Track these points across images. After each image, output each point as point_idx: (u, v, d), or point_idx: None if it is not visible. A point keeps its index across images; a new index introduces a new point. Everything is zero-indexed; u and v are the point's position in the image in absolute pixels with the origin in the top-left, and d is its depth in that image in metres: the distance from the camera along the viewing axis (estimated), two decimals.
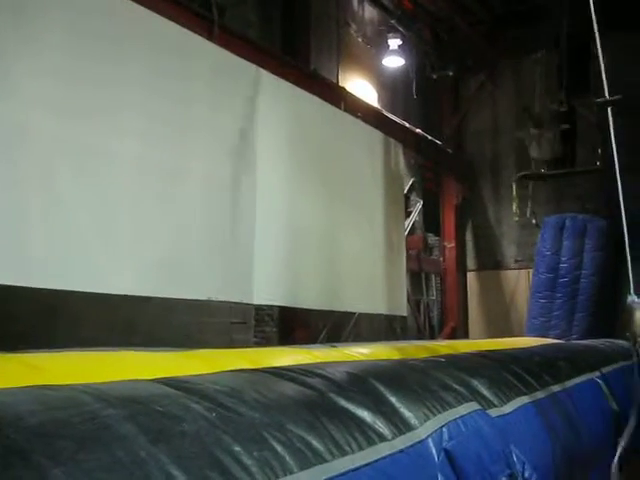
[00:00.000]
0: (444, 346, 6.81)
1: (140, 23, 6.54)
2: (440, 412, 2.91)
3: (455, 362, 4.25)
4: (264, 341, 9.34)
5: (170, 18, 6.93)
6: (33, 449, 1.45)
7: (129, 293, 6.14)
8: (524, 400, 4.06)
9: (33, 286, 5.34)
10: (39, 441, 1.49)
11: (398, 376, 3.12)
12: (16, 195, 5.26)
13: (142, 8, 6.53)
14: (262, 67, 8.14)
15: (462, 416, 3.04)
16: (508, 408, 3.73)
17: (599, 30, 5.82)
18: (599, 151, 12.13)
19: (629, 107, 6.04)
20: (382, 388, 2.75)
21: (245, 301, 7.70)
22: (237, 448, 1.81)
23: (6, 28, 5.25)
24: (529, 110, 12.38)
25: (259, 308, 8.97)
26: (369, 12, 13.01)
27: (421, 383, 3.14)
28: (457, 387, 3.39)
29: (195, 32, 7.34)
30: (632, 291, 5.88)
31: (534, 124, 12.21)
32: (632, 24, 9.53)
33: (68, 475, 1.41)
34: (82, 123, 5.81)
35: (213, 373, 2.75)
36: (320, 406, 2.34)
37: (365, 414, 2.44)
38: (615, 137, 5.89)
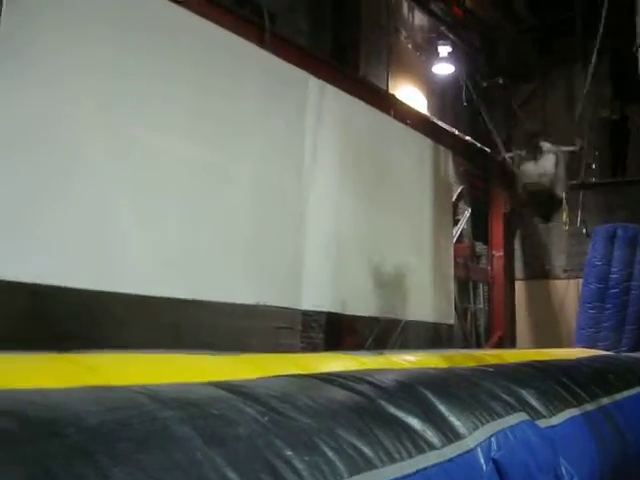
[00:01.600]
0: (491, 355, 6.77)
1: (194, 29, 6.65)
2: (489, 422, 2.91)
3: (503, 372, 4.24)
4: (310, 347, 9.37)
5: (223, 25, 7.04)
6: (94, 449, 1.49)
7: (176, 296, 6.20)
8: (573, 412, 4.03)
9: (80, 287, 5.40)
10: (99, 441, 1.53)
11: (447, 385, 3.13)
12: (62, 196, 5.34)
13: (196, 16, 6.65)
14: (312, 73, 8.19)
15: (511, 426, 3.03)
16: (557, 420, 3.71)
17: None
18: None
19: None
20: (431, 396, 2.76)
21: (293, 306, 7.74)
22: (289, 452, 1.84)
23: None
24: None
25: (306, 314, 9.00)
26: (419, 19, 12.99)
27: (470, 392, 3.14)
28: (505, 397, 3.38)
29: (247, 38, 7.42)
30: None
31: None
32: None
33: (128, 474, 1.46)
34: (130, 119, 5.89)
35: (265, 378, 2.79)
36: (370, 413, 2.36)
37: (414, 422, 2.45)
38: None
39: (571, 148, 10.39)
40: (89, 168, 5.52)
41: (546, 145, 10.32)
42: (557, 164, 10.41)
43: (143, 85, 6.02)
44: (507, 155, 11.31)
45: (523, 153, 10.41)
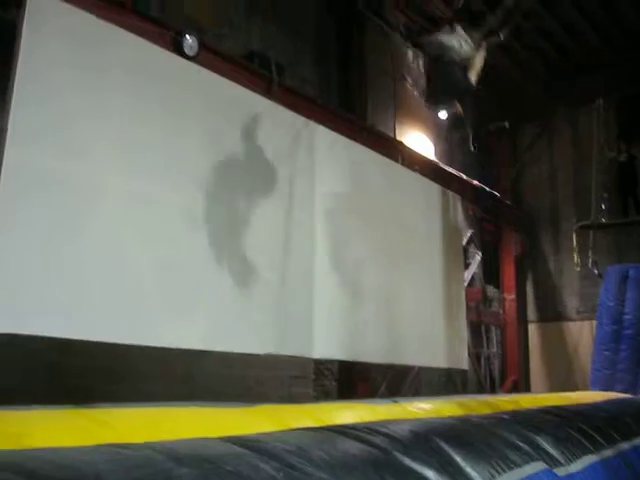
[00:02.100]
0: (507, 401, 6.70)
1: (202, 83, 6.78)
2: (506, 471, 2.88)
3: (519, 419, 4.20)
4: (323, 395, 9.31)
5: (233, 78, 7.18)
6: None
7: (189, 347, 6.22)
8: (592, 459, 3.98)
9: (96, 340, 5.45)
10: None
11: (462, 434, 3.10)
12: (79, 250, 5.41)
13: (205, 70, 6.79)
14: (320, 122, 8.30)
15: (529, 476, 3.00)
16: (575, 467, 3.66)
17: None
18: None
19: None
20: (447, 447, 2.74)
21: (305, 355, 7.73)
22: None
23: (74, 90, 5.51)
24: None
25: (318, 362, 8.96)
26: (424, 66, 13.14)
27: (485, 441, 3.12)
28: (522, 445, 3.35)
29: (254, 90, 7.55)
30: None
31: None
32: None
33: None
34: (145, 178, 5.99)
35: (280, 431, 2.78)
36: (385, 466, 2.35)
37: (430, 474, 2.44)
38: None
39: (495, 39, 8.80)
40: (108, 223, 5.61)
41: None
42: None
43: (159, 135, 6.13)
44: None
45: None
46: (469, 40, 6.78)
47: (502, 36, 7.73)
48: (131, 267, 5.76)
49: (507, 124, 14.33)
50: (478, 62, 7.21)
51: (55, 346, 5.47)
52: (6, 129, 5.02)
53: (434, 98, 7.08)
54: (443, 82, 6.62)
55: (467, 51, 6.71)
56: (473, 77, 6.78)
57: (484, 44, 7.55)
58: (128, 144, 5.85)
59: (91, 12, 5.80)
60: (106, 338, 5.48)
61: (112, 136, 5.73)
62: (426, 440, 2.73)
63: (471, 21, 7.55)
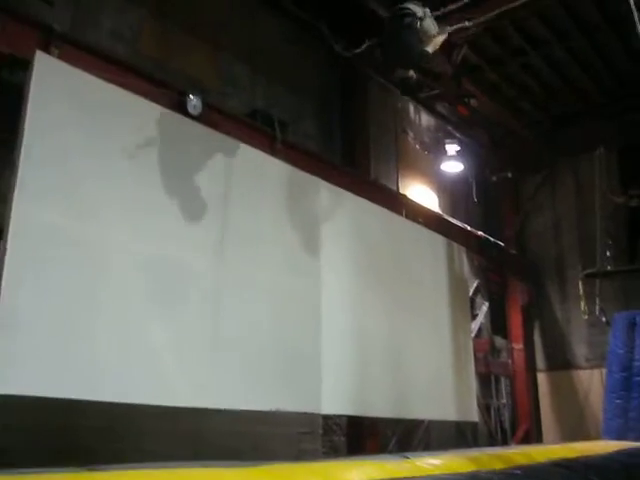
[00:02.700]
0: (518, 454, 6.62)
1: (206, 142, 6.88)
2: None
3: (531, 474, 4.16)
4: (332, 451, 9.21)
5: (236, 136, 7.28)
6: None
7: (196, 406, 6.19)
8: None
9: (102, 400, 5.44)
10: None
11: None
12: (87, 309, 5.44)
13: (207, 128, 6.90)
14: (323, 178, 8.38)
15: None
16: None
17: None
18: None
19: None
20: None
21: (313, 411, 7.68)
22: None
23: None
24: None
25: (327, 417, 8.89)
26: (425, 120, 13.32)
27: None
28: None
29: (258, 148, 7.65)
30: None
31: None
32: None
33: None
34: (154, 235, 6.04)
35: None
36: None
37: None
38: None
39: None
40: (115, 283, 5.65)
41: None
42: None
43: (163, 198, 6.20)
44: None
45: None
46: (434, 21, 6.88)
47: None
48: (137, 326, 5.77)
49: (510, 174, 14.45)
50: (438, 40, 7.23)
51: (60, 407, 5.45)
52: (15, 186, 5.11)
53: (388, 59, 7.13)
54: (399, 44, 6.61)
55: (429, 25, 6.75)
56: (429, 48, 6.76)
57: (448, 28, 7.65)
58: (134, 205, 5.92)
59: (96, 75, 5.92)
60: (112, 398, 5.47)
61: (118, 197, 5.80)
62: None
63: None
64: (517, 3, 10.19)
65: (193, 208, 6.48)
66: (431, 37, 6.80)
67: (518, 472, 4.06)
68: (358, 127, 10.83)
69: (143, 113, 6.31)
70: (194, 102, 6.88)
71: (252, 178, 7.27)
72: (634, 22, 6.23)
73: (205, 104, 7.05)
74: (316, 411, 7.69)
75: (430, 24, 6.83)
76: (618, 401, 11.92)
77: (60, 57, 5.78)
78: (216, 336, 6.39)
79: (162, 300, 5.98)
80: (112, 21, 7.55)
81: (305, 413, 7.80)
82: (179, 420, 6.56)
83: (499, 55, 12.60)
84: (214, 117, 7.24)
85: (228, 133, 7.19)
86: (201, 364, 6.18)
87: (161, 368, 5.83)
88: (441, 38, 6.86)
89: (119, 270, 5.70)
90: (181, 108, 6.83)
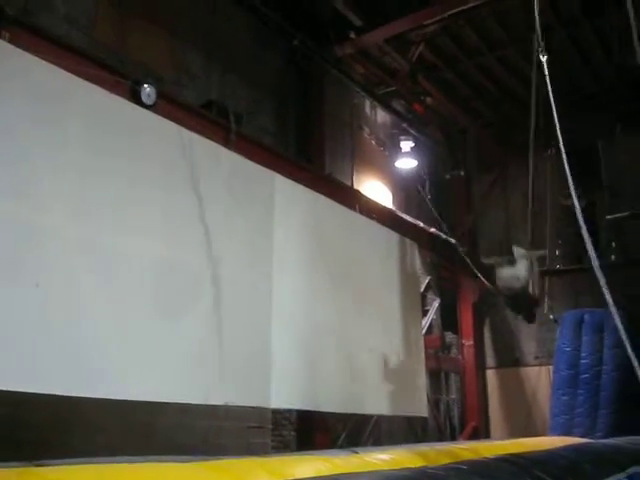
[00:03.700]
0: (466, 449, 6.69)
1: (159, 132, 6.79)
2: None
3: (477, 469, 4.20)
4: (282, 445, 9.21)
5: (190, 127, 7.19)
6: None
7: (147, 399, 6.12)
8: None
9: (50, 393, 5.33)
10: None
11: None
12: (33, 300, 5.32)
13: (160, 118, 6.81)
14: (278, 172, 8.34)
15: None
16: None
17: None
18: (613, 245, 12.17)
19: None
20: None
21: (262, 405, 7.65)
22: None
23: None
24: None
25: (276, 412, 8.89)
26: (381, 116, 13.37)
27: None
28: None
29: (212, 140, 7.58)
30: None
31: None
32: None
33: None
34: (102, 225, 5.94)
35: None
36: None
37: None
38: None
39: (541, 252, 10.86)
40: (61, 273, 5.53)
41: (519, 250, 10.75)
42: (530, 267, 10.82)
43: (114, 188, 6.10)
44: (486, 261, 11.73)
45: (499, 260, 10.90)
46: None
47: None
48: (86, 318, 5.66)
49: (463, 172, 14.59)
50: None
51: (7, 400, 5.35)
52: None
53: None
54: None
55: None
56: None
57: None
58: (83, 200, 5.80)
59: (49, 61, 5.79)
60: (60, 391, 5.37)
61: (67, 194, 5.68)
62: None
63: None
64: (472, 4, 10.34)
65: (143, 197, 6.37)
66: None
67: (464, 467, 4.10)
68: (314, 122, 10.83)
69: (97, 101, 6.19)
70: (148, 91, 6.78)
71: (205, 170, 7.18)
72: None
73: (159, 93, 6.96)
74: (265, 405, 7.66)
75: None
76: (565, 398, 12.13)
77: (11, 41, 5.64)
78: (165, 329, 6.31)
79: (111, 291, 5.87)
80: (67, 6, 7.40)
81: (255, 407, 7.78)
82: (129, 414, 6.50)
83: (455, 54, 12.72)
84: (168, 107, 7.16)
85: (182, 123, 7.10)
86: (150, 358, 6.09)
87: (109, 361, 5.73)
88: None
89: (66, 259, 5.57)
90: (135, 97, 6.73)
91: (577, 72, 13.19)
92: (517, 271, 10.20)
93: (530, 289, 10.32)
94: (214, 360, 6.80)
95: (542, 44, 6.12)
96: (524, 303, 10.62)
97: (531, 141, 5.34)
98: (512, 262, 9.99)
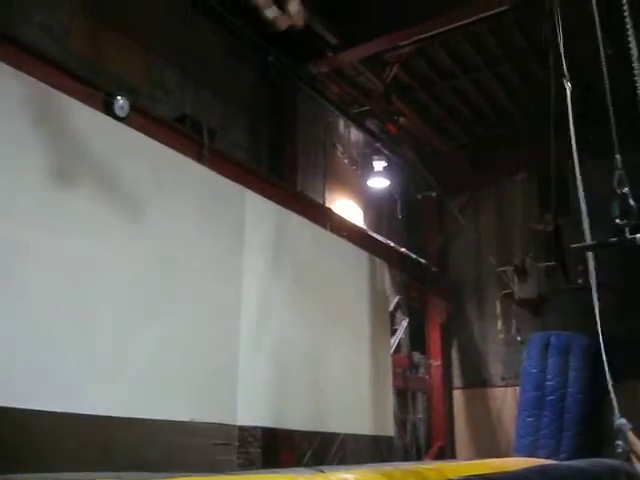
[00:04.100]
0: (431, 469, 6.68)
1: (131, 145, 6.75)
2: None
3: None
4: (248, 462, 9.14)
5: (163, 141, 7.16)
6: None
7: (110, 414, 6.04)
8: None
9: (8, 406, 5.22)
10: None
11: None
12: None
13: (130, 128, 6.77)
14: (250, 188, 8.32)
15: None
16: None
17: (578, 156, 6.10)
18: (580, 269, 12.29)
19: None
20: None
21: (228, 422, 7.59)
22: None
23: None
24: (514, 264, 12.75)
25: (243, 428, 8.82)
26: (355, 135, 13.44)
27: None
28: None
29: (185, 154, 7.55)
30: (617, 412, 5.84)
31: (517, 275, 12.63)
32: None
33: None
34: (71, 239, 5.87)
35: None
36: None
37: None
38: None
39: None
40: (19, 280, 5.44)
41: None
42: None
43: (79, 199, 6.04)
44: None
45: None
46: None
47: None
48: (47, 330, 5.56)
49: (434, 193, 14.69)
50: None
51: None
52: None
53: None
54: None
55: None
56: None
57: None
58: (46, 209, 5.73)
59: (21, 69, 5.74)
60: (20, 404, 5.25)
61: (27, 201, 5.61)
62: None
63: None
64: (447, 27, 10.47)
65: (112, 210, 6.32)
66: None
67: None
68: (287, 139, 10.85)
69: (69, 112, 6.14)
70: (121, 103, 6.75)
71: (176, 184, 7.15)
72: (558, 51, 6.45)
73: (132, 106, 6.93)
74: (232, 422, 7.61)
75: None
76: (530, 419, 12.20)
77: None
78: (130, 342, 6.23)
79: (73, 303, 5.78)
80: (41, 15, 7.36)
81: (221, 424, 7.71)
82: (91, 429, 6.39)
83: (430, 76, 12.85)
84: (141, 120, 7.12)
85: (155, 137, 7.07)
86: (113, 371, 6.01)
87: (69, 374, 5.64)
88: None
89: (25, 271, 5.49)
90: (108, 109, 6.69)
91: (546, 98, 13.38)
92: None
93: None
94: (180, 375, 6.74)
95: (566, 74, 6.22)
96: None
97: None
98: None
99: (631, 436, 5.94)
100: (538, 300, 12.56)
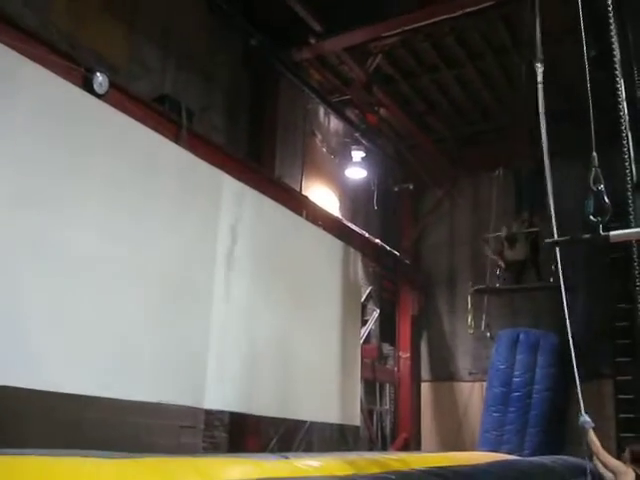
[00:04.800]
0: (396, 460, 6.74)
1: (109, 123, 6.67)
2: None
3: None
4: (213, 446, 9.14)
5: (141, 120, 7.09)
6: None
7: (77, 392, 5.99)
8: None
9: None
10: None
11: None
12: None
13: (111, 108, 6.69)
14: (227, 172, 8.28)
15: None
16: None
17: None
18: (553, 268, 12.39)
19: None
20: None
21: (196, 405, 7.58)
22: None
23: None
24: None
25: (209, 412, 8.81)
26: (334, 124, 13.41)
27: None
28: None
29: (163, 134, 7.48)
30: (582, 411, 5.91)
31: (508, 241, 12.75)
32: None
33: None
34: (41, 215, 5.79)
35: None
36: None
37: None
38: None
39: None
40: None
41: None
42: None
43: (56, 180, 5.96)
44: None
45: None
46: None
47: None
48: (21, 310, 5.50)
49: (411, 186, 14.71)
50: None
51: None
52: None
53: None
54: None
55: None
56: None
57: None
58: (23, 191, 5.65)
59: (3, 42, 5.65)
60: None
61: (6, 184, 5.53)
62: None
63: None
64: (432, 20, 10.46)
65: (85, 188, 6.24)
66: None
67: (392, 477, 4.12)
68: (266, 124, 10.79)
69: (48, 87, 6.04)
70: (100, 80, 6.68)
71: (153, 164, 7.09)
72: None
73: (112, 83, 6.86)
74: (199, 405, 7.60)
75: None
76: (496, 415, 12.35)
77: None
78: (99, 323, 6.18)
79: (41, 280, 5.72)
80: None
81: (188, 407, 7.70)
82: (58, 407, 6.34)
83: (413, 69, 12.84)
84: (120, 97, 7.05)
85: (133, 115, 6.99)
86: (81, 349, 5.95)
87: (36, 350, 5.57)
88: None
89: (3, 253, 5.42)
90: (87, 85, 6.61)
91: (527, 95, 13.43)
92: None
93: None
94: (149, 358, 6.70)
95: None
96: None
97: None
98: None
99: (592, 434, 6.00)
100: (524, 263, 12.61)
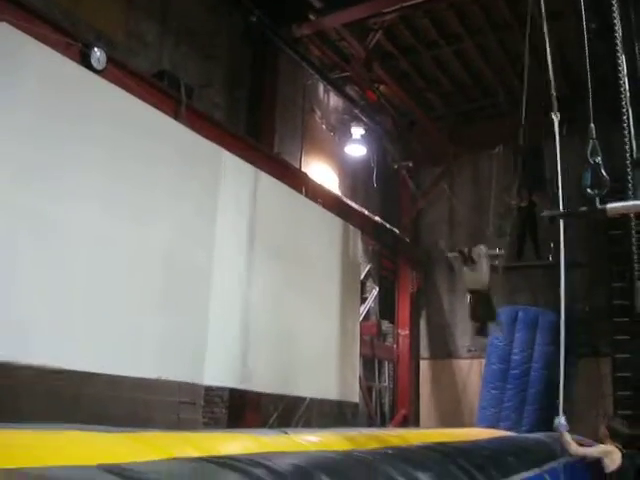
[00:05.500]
0: (394, 436, 6.77)
1: (107, 97, 6.62)
2: None
3: (403, 455, 4.24)
4: (212, 422, 9.18)
5: (140, 96, 7.04)
6: None
7: (76, 368, 6.00)
8: None
9: None
10: None
11: (344, 469, 3.10)
12: None
13: (110, 84, 6.65)
14: (226, 148, 8.24)
15: None
16: None
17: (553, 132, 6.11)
18: (551, 245, 12.38)
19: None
20: None
21: (195, 381, 7.60)
22: None
23: None
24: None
25: (209, 388, 8.85)
26: (334, 100, 13.35)
27: (368, 477, 3.13)
28: None
29: (162, 111, 7.44)
30: (560, 412, 5.89)
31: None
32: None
33: None
34: (42, 191, 5.77)
35: (158, 460, 2.71)
36: None
37: None
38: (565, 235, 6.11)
39: (498, 252, 10.49)
40: None
41: (480, 250, 10.26)
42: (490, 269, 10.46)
43: (55, 152, 5.93)
44: (449, 254, 11.30)
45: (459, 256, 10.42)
46: None
47: None
48: (19, 286, 5.49)
49: (411, 164, 14.66)
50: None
51: None
52: None
53: None
54: None
55: None
56: None
57: None
58: (22, 163, 5.63)
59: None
60: None
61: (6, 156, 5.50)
62: (307, 475, 2.71)
63: None
64: None
65: (84, 163, 6.21)
66: None
67: (390, 452, 4.14)
68: (265, 100, 10.72)
69: (46, 61, 6.00)
70: (98, 55, 6.63)
71: (152, 140, 7.05)
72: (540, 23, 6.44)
73: (110, 59, 6.81)
74: (199, 382, 7.62)
75: None
76: (494, 392, 12.39)
77: None
78: (99, 299, 6.17)
79: (38, 255, 5.69)
80: None
81: (187, 383, 7.72)
82: (59, 382, 6.36)
83: (412, 45, 12.75)
84: (118, 73, 6.99)
85: (132, 91, 6.95)
86: (79, 326, 5.95)
87: (37, 327, 5.57)
88: None
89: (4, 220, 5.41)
90: (85, 61, 6.56)
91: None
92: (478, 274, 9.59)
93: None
94: (149, 333, 6.71)
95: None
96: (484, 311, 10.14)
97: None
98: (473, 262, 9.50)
99: (567, 436, 6.04)
100: (523, 238, 12.52)
